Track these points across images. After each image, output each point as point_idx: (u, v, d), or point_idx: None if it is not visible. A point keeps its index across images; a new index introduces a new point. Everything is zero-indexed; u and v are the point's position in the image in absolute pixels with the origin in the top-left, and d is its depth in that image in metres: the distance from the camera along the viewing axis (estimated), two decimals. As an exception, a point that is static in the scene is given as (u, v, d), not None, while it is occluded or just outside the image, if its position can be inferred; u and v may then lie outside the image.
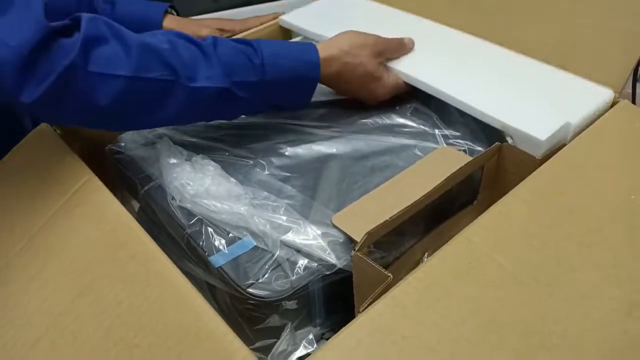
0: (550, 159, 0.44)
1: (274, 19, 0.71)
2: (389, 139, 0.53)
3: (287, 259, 0.41)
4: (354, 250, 0.39)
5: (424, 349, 0.32)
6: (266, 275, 0.40)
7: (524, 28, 0.58)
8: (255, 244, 0.43)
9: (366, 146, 0.53)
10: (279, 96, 0.52)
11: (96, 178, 0.46)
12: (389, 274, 0.37)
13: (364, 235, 0.40)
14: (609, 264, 0.37)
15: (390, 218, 0.41)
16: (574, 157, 0.44)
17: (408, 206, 0.43)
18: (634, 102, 0.55)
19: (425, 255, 0.50)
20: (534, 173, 0.43)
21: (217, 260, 0.41)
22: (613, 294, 0.35)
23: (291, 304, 0.40)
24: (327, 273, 0.41)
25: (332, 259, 0.41)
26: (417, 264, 0.49)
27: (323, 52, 0.52)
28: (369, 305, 0.35)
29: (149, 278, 0.38)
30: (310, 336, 0.39)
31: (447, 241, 0.52)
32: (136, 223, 0.42)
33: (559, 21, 0.56)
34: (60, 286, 0.38)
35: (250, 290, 0.40)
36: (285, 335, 0.39)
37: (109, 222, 0.42)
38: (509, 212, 0.40)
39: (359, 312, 0.35)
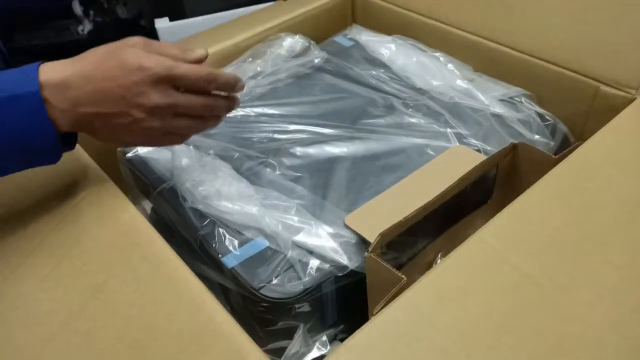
0: (567, 158, 0.44)
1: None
2: (401, 138, 0.53)
3: (299, 260, 0.41)
4: (368, 251, 0.38)
5: (439, 352, 0.32)
6: (279, 277, 0.40)
7: (536, 24, 0.57)
8: (267, 244, 0.42)
9: (377, 146, 0.52)
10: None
11: (109, 180, 0.46)
12: (403, 276, 0.36)
13: (377, 237, 0.39)
14: (627, 264, 0.36)
15: (403, 219, 0.41)
16: (590, 156, 0.44)
17: (422, 206, 0.42)
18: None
19: (439, 257, 0.49)
20: (549, 172, 0.43)
21: (229, 261, 0.41)
22: (632, 295, 0.34)
23: (304, 306, 0.39)
24: (340, 275, 0.41)
25: (344, 260, 0.41)
26: (430, 265, 0.49)
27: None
28: (382, 307, 0.35)
29: (162, 280, 0.37)
30: (324, 338, 0.39)
31: (460, 242, 0.52)
32: (149, 225, 0.41)
33: (572, 16, 0.55)
34: (73, 287, 0.38)
35: (262, 291, 0.39)
36: (298, 336, 0.39)
37: (121, 224, 0.42)
38: (525, 212, 0.40)
39: (372, 314, 0.35)
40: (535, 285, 0.35)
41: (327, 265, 0.41)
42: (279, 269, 0.40)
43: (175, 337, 0.34)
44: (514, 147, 0.49)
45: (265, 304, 0.39)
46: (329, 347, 0.37)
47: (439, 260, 0.49)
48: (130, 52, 0.36)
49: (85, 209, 0.43)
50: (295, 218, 0.44)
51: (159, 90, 0.36)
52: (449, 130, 0.53)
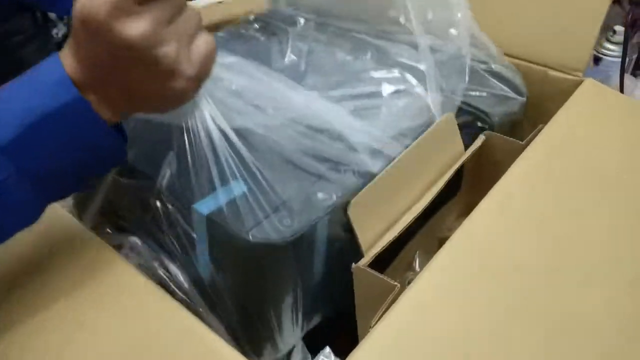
0: (532, 143, 0.45)
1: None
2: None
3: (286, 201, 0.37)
4: (354, 264, 0.38)
5: (454, 347, 0.32)
6: (268, 218, 0.35)
7: (481, 12, 0.58)
8: (245, 189, 0.36)
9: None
10: None
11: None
12: (396, 283, 0.36)
13: (372, 256, 0.38)
14: (609, 240, 0.37)
15: (394, 237, 0.40)
16: (554, 139, 0.45)
17: (412, 219, 0.42)
18: (621, 92, 0.57)
19: (417, 255, 0.49)
20: (520, 157, 0.43)
21: (204, 208, 0.35)
22: (620, 271, 0.36)
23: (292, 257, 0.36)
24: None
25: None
26: (410, 264, 0.49)
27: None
28: (380, 317, 0.34)
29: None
30: (327, 350, 0.37)
31: (437, 238, 0.52)
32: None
33: (516, 3, 0.57)
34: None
35: (254, 233, 0.34)
36: (298, 350, 0.38)
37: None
38: (503, 202, 0.40)
39: (371, 325, 0.34)
40: (526, 273, 0.36)
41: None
42: (266, 209, 0.36)
43: None
44: (483, 137, 0.49)
45: (255, 252, 0.35)
46: (332, 358, 0.36)
47: (417, 259, 0.49)
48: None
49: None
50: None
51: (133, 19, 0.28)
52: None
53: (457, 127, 0.47)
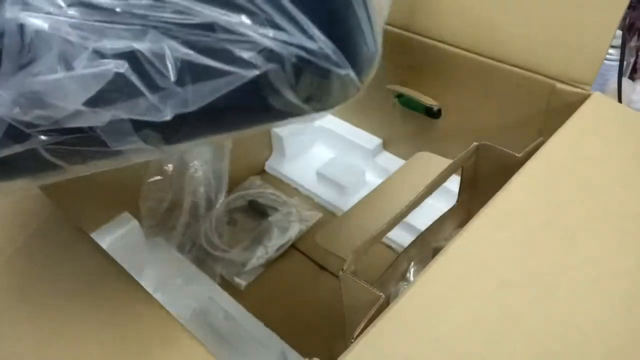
0: (532, 158, 0.44)
1: None
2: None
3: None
4: (342, 270, 0.37)
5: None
6: None
7: (486, 22, 0.57)
8: None
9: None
10: None
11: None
12: (380, 294, 0.35)
13: (351, 255, 0.38)
14: (604, 259, 0.36)
15: (376, 232, 0.40)
16: (556, 154, 0.44)
17: (392, 219, 0.41)
18: (619, 98, 0.56)
19: (412, 265, 0.48)
20: (519, 172, 0.42)
21: None
22: (610, 290, 0.34)
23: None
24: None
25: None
26: (404, 274, 0.48)
27: None
28: (363, 329, 0.33)
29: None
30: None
31: (432, 249, 0.51)
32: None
33: (524, 13, 0.56)
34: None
35: None
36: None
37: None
38: (498, 216, 0.39)
39: (353, 337, 0.33)
40: (517, 289, 0.35)
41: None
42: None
43: None
44: (477, 149, 0.48)
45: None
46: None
47: (412, 269, 0.48)
48: None
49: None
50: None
51: None
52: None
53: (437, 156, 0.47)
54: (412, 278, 0.48)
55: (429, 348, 0.32)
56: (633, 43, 0.66)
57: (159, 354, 0.33)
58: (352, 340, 0.33)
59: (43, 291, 0.37)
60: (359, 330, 0.33)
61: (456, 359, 0.31)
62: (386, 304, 0.35)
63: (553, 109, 0.53)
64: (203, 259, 0.64)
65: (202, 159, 0.62)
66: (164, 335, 0.34)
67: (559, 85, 0.51)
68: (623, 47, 0.58)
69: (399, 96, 0.67)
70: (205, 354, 0.32)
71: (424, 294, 0.35)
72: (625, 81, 0.64)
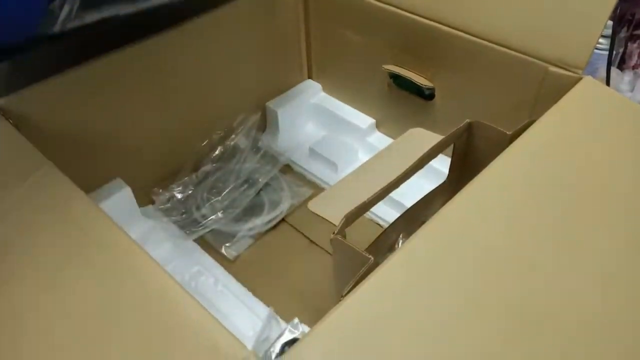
0: (522, 136, 0.45)
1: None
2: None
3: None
4: (333, 233, 0.38)
5: (413, 332, 0.32)
6: None
7: (481, 5, 0.58)
8: None
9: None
10: None
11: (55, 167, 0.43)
12: (370, 256, 0.36)
13: (342, 219, 0.39)
14: (585, 238, 0.37)
15: (367, 199, 0.41)
16: (545, 133, 0.45)
17: (384, 187, 0.42)
18: (608, 84, 0.57)
19: (400, 237, 0.49)
20: (507, 150, 0.43)
21: None
22: (589, 268, 0.36)
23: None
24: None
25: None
26: (392, 247, 0.49)
27: None
28: (351, 288, 0.34)
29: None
30: (296, 320, 0.38)
31: (420, 223, 0.52)
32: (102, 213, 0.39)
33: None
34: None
35: None
36: (268, 320, 0.38)
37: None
38: (485, 191, 0.40)
39: (342, 296, 0.34)
40: (500, 262, 0.36)
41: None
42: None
43: (141, 329, 0.32)
44: (469, 126, 0.49)
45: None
46: (300, 329, 0.37)
47: (400, 242, 0.49)
48: None
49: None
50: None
51: None
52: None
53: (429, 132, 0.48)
54: (400, 249, 0.49)
55: (411, 313, 0.33)
56: (622, 34, 0.67)
57: (156, 308, 0.34)
58: (341, 298, 0.34)
59: (30, 244, 0.38)
60: (347, 289, 0.34)
61: (437, 323, 0.32)
62: (375, 267, 0.36)
63: (545, 91, 0.54)
64: (194, 229, 0.64)
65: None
66: (158, 288, 0.35)
67: (551, 68, 0.52)
68: (613, 37, 0.59)
69: (394, 77, 0.68)
70: (199, 307, 0.33)
71: (408, 260, 0.36)
72: (614, 71, 0.66)
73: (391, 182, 0.42)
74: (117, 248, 0.37)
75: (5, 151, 0.41)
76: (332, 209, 0.42)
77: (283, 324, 0.41)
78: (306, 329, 0.39)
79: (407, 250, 0.36)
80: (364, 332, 0.32)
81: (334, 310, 0.33)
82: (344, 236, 0.40)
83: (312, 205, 0.43)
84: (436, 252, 0.36)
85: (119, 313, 0.33)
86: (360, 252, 0.36)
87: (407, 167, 0.44)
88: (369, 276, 0.35)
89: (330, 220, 0.41)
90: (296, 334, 0.35)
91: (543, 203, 0.39)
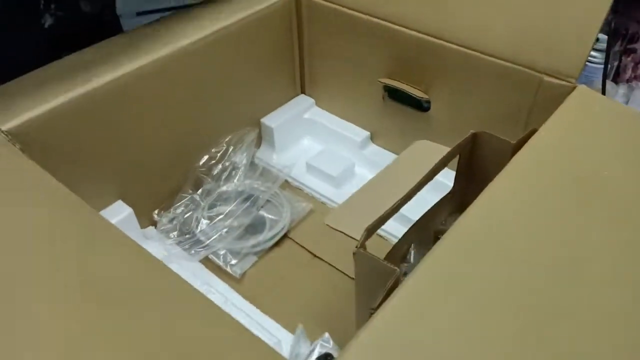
0: (525, 145, 0.46)
1: None
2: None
3: None
4: (357, 247, 0.39)
5: (456, 339, 0.32)
6: None
7: (473, 16, 0.59)
8: None
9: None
10: None
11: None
12: (396, 267, 0.37)
13: (364, 232, 0.39)
14: (597, 241, 0.39)
15: (385, 213, 0.41)
16: (547, 142, 0.46)
17: (398, 200, 0.43)
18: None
19: (412, 247, 0.50)
20: (513, 159, 0.45)
21: None
22: (601, 269, 0.37)
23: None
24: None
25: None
26: (404, 256, 0.50)
27: None
28: (382, 301, 0.35)
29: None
30: (327, 335, 0.38)
31: (431, 232, 0.53)
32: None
33: (511, 7, 0.58)
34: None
35: None
36: (298, 335, 0.38)
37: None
38: (498, 200, 0.41)
39: (372, 309, 0.35)
40: (521, 271, 0.37)
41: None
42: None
43: (183, 344, 0.32)
44: (474, 136, 0.51)
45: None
46: (331, 343, 0.37)
47: (412, 252, 0.50)
48: None
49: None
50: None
51: None
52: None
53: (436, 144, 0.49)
54: (412, 260, 0.50)
55: (447, 321, 0.33)
56: (617, 48, 0.70)
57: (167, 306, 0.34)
58: (372, 311, 0.34)
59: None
60: (378, 301, 0.35)
61: (467, 331, 0.33)
62: (400, 278, 0.37)
63: (540, 101, 0.56)
64: (198, 249, 0.64)
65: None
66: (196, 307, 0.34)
67: (546, 78, 0.54)
68: (608, 51, 0.62)
69: (389, 89, 0.70)
70: (238, 324, 0.33)
71: (436, 270, 0.36)
72: (609, 84, 0.68)
73: (405, 195, 0.43)
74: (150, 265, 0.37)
75: (17, 176, 0.41)
76: (349, 223, 0.43)
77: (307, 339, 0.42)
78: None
79: (431, 263, 0.37)
80: (406, 345, 0.32)
81: (369, 323, 0.33)
82: (365, 249, 0.40)
83: (329, 221, 0.43)
84: (459, 263, 0.37)
85: (163, 333, 0.33)
86: (386, 264, 0.37)
87: (417, 179, 0.45)
88: (397, 290, 0.35)
89: (351, 235, 0.41)
90: (328, 348, 0.35)
91: (556, 210, 0.41)
